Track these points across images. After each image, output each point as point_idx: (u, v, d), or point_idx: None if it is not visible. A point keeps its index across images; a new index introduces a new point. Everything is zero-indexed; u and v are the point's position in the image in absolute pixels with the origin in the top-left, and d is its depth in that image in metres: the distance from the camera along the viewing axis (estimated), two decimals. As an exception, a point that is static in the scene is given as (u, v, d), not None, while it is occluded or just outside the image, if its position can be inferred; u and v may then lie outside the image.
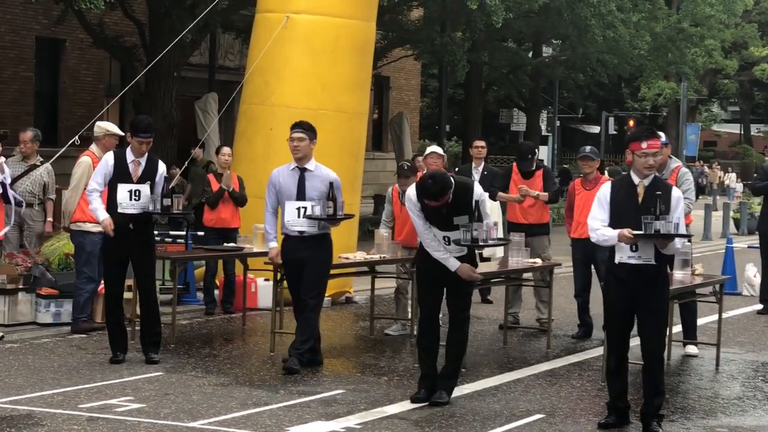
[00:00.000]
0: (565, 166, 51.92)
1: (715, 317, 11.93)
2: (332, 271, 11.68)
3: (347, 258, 12.22)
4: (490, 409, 9.04)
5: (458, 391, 9.46)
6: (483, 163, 14.64)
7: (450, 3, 26.66)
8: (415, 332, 11.56)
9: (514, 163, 13.57)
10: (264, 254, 12.35)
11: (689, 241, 10.62)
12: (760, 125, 76.15)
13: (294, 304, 10.74)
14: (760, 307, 15.74)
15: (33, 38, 25.12)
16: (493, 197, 13.29)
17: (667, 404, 9.13)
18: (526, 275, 12.74)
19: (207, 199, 13.87)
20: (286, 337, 11.83)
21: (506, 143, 57.57)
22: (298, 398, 9.12)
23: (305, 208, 10.30)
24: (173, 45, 17.24)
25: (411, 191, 9.16)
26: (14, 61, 24.66)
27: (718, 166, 62.84)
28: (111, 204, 10.40)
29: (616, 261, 8.35)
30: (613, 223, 8.28)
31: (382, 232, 12.53)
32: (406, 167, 12.62)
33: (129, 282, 11.06)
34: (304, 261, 10.36)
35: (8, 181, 11.57)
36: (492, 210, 11.97)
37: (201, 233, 14.76)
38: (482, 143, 14.43)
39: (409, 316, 12.67)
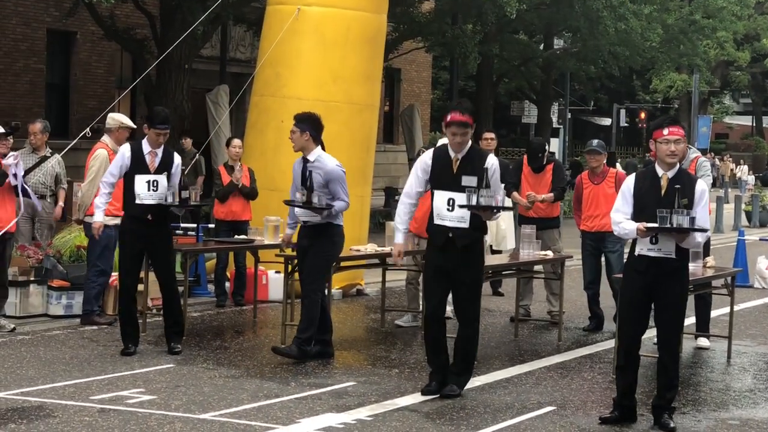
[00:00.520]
0: (576, 158, 51.86)
1: (727, 310, 11.91)
2: (343, 263, 11.71)
3: (358, 250, 12.22)
4: (502, 402, 9.03)
5: (469, 384, 9.44)
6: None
7: (461, -5, 26.62)
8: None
9: (525, 156, 13.55)
10: (275, 246, 12.41)
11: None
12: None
13: None
14: (771, 299, 15.72)
15: (44, 30, 25.13)
16: (507, 194, 13.30)
17: (678, 397, 9.11)
18: (537, 268, 12.73)
19: (217, 193, 13.87)
20: (296, 329, 11.84)
21: (517, 135, 57.52)
22: (309, 390, 9.12)
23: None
24: (184, 37, 17.25)
25: (426, 154, 9.30)
26: (26, 54, 24.68)
27: (730, 159, 62.68)
28: (129, 196, 10.48)
29: (636, 253, 8.30)
30: (636, 216, 8.22)
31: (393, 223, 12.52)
32: (422, 151, 12.74)
33: (141, 274, 11.08)
34: (306, 249, 10.40)
35: (21, 173, 11.59)
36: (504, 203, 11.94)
37: (212, 225, 14.76)
38: (491, 135, 14.39)
39: (420, 307, 12.66)
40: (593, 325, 12.96)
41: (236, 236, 13.38)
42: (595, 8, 29.70)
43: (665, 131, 8.23)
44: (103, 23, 22.70)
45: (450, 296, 9.34)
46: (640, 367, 8.63)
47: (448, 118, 9.03)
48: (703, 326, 12.08)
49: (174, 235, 14.45)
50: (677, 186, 8.15)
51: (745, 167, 59.59)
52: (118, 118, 12.03)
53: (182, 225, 15.66)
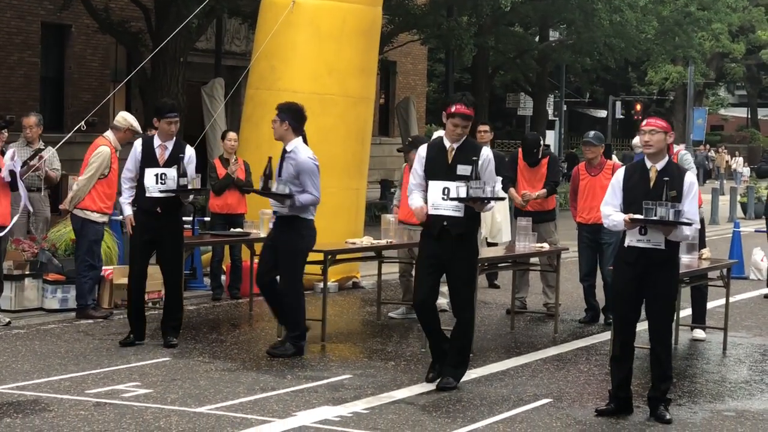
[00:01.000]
0: (572, 150, 51.87)
1: (722, 301, 11.91)
2: (339, 256, 11.70)
3: (354, 243, 12.21)
4: (498, 394, 9.04)
5: (465, 376, 9.44)
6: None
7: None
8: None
9: (520, 149, 13.55)
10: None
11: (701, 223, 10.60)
12: (767, 109, 76.01)
13: None
14: (767, 291, 15.72)
15: (39, 24, 25.11)
16: (504, 189, 13.34)
17: (674, 388, 9.13)
18: (533, 260, 12.73)
19: (213, 186, 13.86)
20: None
21: (513, 128, 57.50)
22: (305, 383, 9.12)
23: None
24: (179, 30, 17.22)
25: (421, 148, 9.33)
26: (20, 47, 24.65)
27: (725, 150, 62.70)
28: (140, 189, 10.58)
29: (625, 244, 8.33)
30: (626, 208, 8.25)
31: (389, 216, 12.53)
32: (414, 138, 12.85)
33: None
34: (276, 241, 10.35)
35: (18, 168, 11.57)
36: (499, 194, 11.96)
37: (207, 219, 14.73)
38: (486, 127, 14.36)
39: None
40: (589, 317, 12.97)
41: (232, 229, 13.37)
42: (590, 0, 29.68)
43: (644, 122, 8.32)
44: (98, 16, 22.68)
45: (446, 288, 9.35)
46: (635, 358, 8.64)
47: (453, 109, 9.04)
48: (699, 318, 12.09)
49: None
50: (666, 178, 8.17)
51: (741, 159, 59.57)
52: (129, 119, 12.01)
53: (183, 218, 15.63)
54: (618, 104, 59.23)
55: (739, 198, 32.31)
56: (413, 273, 12.72)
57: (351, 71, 14.74)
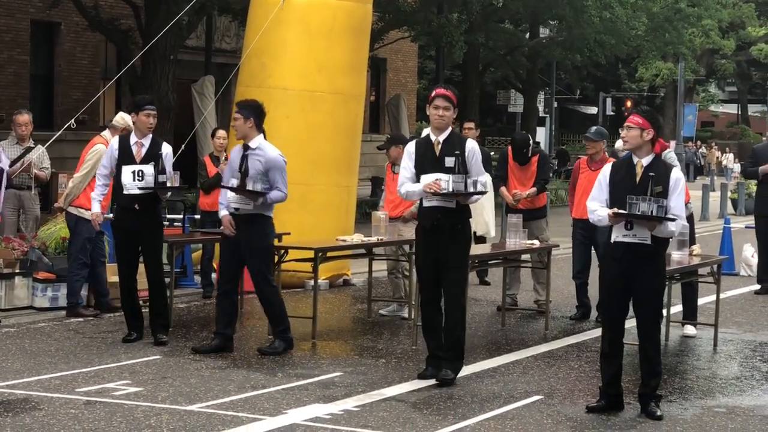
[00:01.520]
0: (562, 147, 51.92)
1: (713, 298, 11.93)
2: (330, 254, 11.70)
3: (344, 240, 12.20)
4: (489, 391, 9.04)
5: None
6: None
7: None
8: (412, 312, 11.56)
9: (509, 148, 13.55)
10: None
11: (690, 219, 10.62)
12: (758, 105, 76.09)
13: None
14: (757, 287, 15.75)
15: (28, 21, 25.04)
16: (495, 188, 13.38)
17: (665, 385, 9.14)
18: (523, 257, 12.73)
19: (202, 185, 13.84)
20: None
21: (503, 124, 57.52)
22: (295, 381, 9.11)
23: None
24: (169, 28, 17.18)
25: (409, 145, 9.48)
26: (9, 45, 24.58)
27: (716, 147, 62.78)
28: (118, 186, 10.60)
29: (612, 240, 8.35)
30: (612, 203, 8.27)
31: (380, 214, 12.53)
32: (392, 136, 12.94)
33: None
34: (239, 241, 10.30)
35: (6, 166, 11.54)
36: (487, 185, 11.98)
37: (197, 217, 14.70)
38: (471, 124, 14.28)
39: (404, 296, 12.67)
40: (579, 314, 12.98)
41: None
42: (580, -3, 29.71)
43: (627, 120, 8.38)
44: (87, 14, 22.63)
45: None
46: (626, 355, 8.65)
47: (432, 93, 9.27)
48: (689, 314, 12.10)
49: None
50: (651, 174, 8.18)
51: (731, 155, 59.61)
52: (126, 119, 11.97)
53: (168, 216, 15.62)
54: (608, 101, 59.21)
55: (729, 194, 32.37)
56: (402, 270, 12.80)
57: (341, 68, 14.73)
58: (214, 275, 14.00)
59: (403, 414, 8.18)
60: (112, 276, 12.00)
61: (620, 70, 60.71)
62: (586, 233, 12.70)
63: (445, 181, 9.06)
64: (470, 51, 33.82)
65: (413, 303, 11.46)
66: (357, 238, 12.38)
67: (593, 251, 12.85)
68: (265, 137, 10.41)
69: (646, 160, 8.29)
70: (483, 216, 15.21)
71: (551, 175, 15.51)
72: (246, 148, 10.31)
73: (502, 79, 47.34)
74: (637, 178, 8.25)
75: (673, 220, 8.15)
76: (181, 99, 23.29)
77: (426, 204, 9.27)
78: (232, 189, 10.26)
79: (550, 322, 12.43)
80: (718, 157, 60.72)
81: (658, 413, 8.31)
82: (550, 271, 12.71)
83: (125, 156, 10.54)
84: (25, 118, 13.42)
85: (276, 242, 11.58)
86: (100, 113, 25.58)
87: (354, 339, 11.45)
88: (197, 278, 14.39)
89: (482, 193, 9.31)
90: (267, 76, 14.61)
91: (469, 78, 36.57)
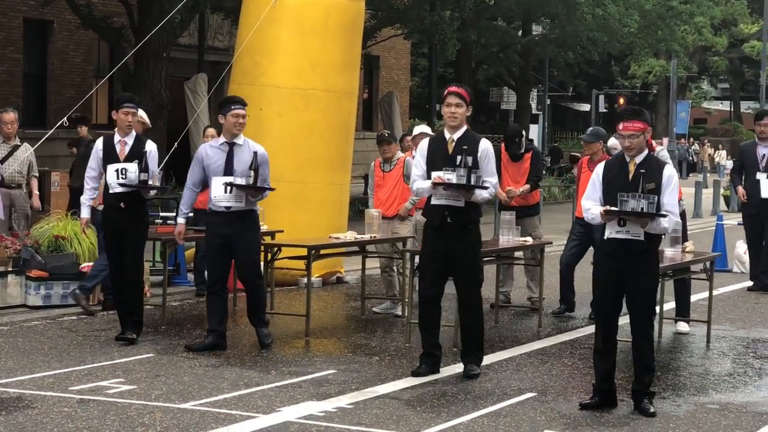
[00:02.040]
0: (555, 144, 51.95)
1: (706, 294, 11.95)
2: (323, 251, 11.71)
3: (338, 238, 12.20)
4: (482, 388, 9.04)
5: (449, 371, 9.48)
6: None
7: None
8: (405, 310, 11.56)
9: (502, 144, 13.56)
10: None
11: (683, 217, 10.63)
12: (750, 102, 76.17)
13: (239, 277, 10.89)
14: (750, 283, 15.77)
15: (21, 19, 25.01)
16: None
17: (658, 381, 9.15)
18: (517, 254, 12.74)
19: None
20: (277, 318, 11.85)
21: (496, 122, 57.54)
22: (289, 379, 9.11)
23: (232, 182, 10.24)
24: (162, 25, 17.18)
25: (423, 142, 9.53)
26: (2, 43, 24.55)
27: (709, 144, 62.86)
28: (104, 187, 10.59)
29: (605, 236, 8.36)
30: (605, 201, 8.29)
31: (373, 211, 12.53)
32: (386, 134, 12.96)
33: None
34: (230, 237, 10.29)
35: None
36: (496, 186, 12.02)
37: (191, 214, 14.64)
38: None
39: (398, 294, 12.67)
40: (562, 308, 13.02)
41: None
42: (572, -6, 29.75)
43: (620, 126, 8.33)
44: (80, 12, 22.60)
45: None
46: (619, 352, 8.66)
47: (445, 92, 9.36)
48: (682, 311, 12.12)
49: (152, 224, 14.46)
50: (642, 171, 8.19)
51: (724, 152, 59.67)
52: (140, 113, 11.95)
53: (161, 214, 15.61)
54: (601, 98, 59.30)
55: (722, 191, 32.39)
56: (395, 268, 12.80)
57: (334, 66, 14.72)
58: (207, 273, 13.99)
59: (397, 411, 8.19)
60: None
61: (613, 68, 60.80)
62: (583, 230, 12.71)
63: (450, 174, 9.10)
64: (463, 48, 33.83)
65: (407, 300, 11.46)
66: (350, 235, 12.38)
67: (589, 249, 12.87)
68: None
69: (639, 158, 8.30)
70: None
71: (544, 172, 15.51)
72: (232, 144, 10.29)
73: (495, 76, 47.38)
74: (630, 176, 8.26)
75: (664, 216, 8.17)
76: (174, 97, 23.28)
77: (434, 201, 9.31)
78: (241, 188, 10.16)
79: (544, 319, 12.44)
80: (710, 154, 60.80)
81: (652, 410, 8.32)
82: (543, 268, 12.72)
83: (109, 155, 10.53)
84: (10, 116, 13.43)
85: (269, 240, 11.61)
86: (92, 111, 25.56)
87: (347, 336, 11.45)
88: (190, 276, 14.38)
89: (485, 188, 9.24)
90: (260, 74, 14.60)
91: (462, 75, 36.57)
